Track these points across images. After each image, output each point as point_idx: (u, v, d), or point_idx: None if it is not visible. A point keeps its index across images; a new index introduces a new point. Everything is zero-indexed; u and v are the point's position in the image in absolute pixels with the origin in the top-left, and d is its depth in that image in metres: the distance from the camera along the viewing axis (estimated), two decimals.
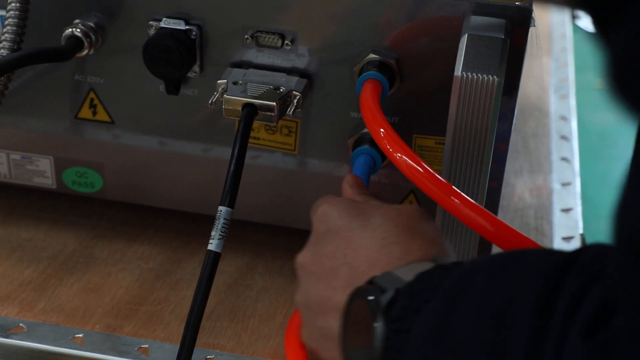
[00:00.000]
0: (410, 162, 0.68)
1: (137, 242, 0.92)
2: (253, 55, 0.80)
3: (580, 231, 0.98)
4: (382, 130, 0.71)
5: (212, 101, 0.78)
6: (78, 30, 0.81)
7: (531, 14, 0.75)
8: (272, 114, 0.77)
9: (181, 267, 0.89)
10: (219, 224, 0.73)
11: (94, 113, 0.86)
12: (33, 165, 0.91)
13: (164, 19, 0.80)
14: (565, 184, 1.06)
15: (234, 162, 0.75)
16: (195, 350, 0.71)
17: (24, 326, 0.80)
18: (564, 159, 1.11)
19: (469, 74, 0.70)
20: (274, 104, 0.76)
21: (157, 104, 0.85)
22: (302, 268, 0.67)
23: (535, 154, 1.12)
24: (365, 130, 0.79)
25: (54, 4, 0.82)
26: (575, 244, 0.96)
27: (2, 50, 0.79)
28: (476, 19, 0.74)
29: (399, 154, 0.69)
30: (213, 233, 0.73)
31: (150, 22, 0.80)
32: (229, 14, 0.79)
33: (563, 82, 1.31)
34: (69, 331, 0.80)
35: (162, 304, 0.84)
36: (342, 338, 0.60)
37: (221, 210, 0.73)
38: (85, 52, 0.82)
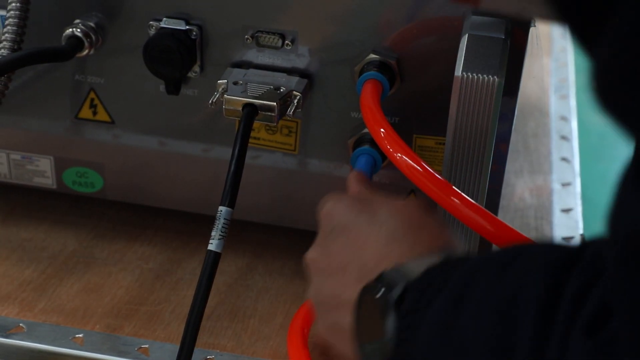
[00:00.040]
0: (411, 162, 0.68)
1: (138, 242, 0.92)
2: (253, 55, 0.80)
3: (581, 231, 0.98)
4: (382, 130, 0.71)
5: (212, 101, 0.78)
6: (78, 30, 0.81)
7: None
8: (273, 114, 0.77)
9: (181, 267, 0.89)
10: (219, 224, 0.73)
11: (94, 113, 0.87)
12: (33, 165, 0.91)
13: (165, 19, 0.80)
14: (565, 184, 1.06)
15: (234, 162, 0.75)
16: (196, 350, 0.71)
17: (24, 326, 0.80)
18: (564, 159, 1.11)
19: (469, 74, 0.70)
20: (274, 104, 0.76)
21: (157, 104, 0.85)
22: (311, 265, 0.68)
23: (536, 154, 1.12)
24: (366, 130, 0.79)
25: (54, 4, 0.82)
26: None
27: (2, 50, 0.79)
28: (476, 19, 0.74)
29: (399, 154, 0.69)
30: (213, 233, 0.73)
31: (151, 22, 0.80)
32: (229, 14, 0.79)
33: (563, 82, 1.31)
34: (69, 331, 0.80)
35: (162, 304, 0.84)
36: (355, 333, 0.60)
37: (221, 211, 0.73)
38: (85, 52, 0.82)
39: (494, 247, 0.68)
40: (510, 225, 0.65)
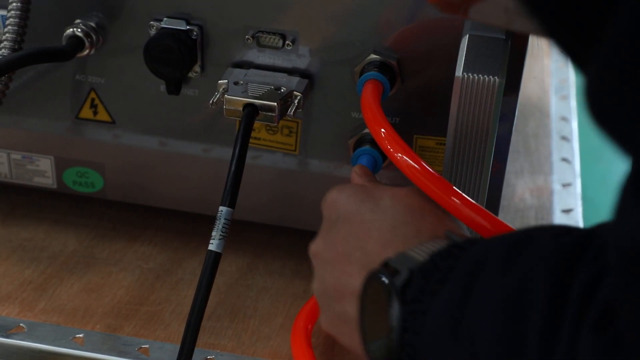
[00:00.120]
0: (411, 162, 0.68)
1: (138, 242, 0.92)
2: (254, 55, 0.80)
3: None
4: (383, 130, 0.71)
5: (213, 101, 0.78)
6: (79, 30, 0.81)
7: None
8: (273, 114, 0.77)
9: (182, 267, 0.89)
10: (220, 224, 0.73)
11: (95, 113, 0.87)
12: (34, 165, 0.91)
13: (165, 19, 0.80)
14: (565, 185, 1.06)
15: (234, 162, 0.75)
16: (196, 350, 0.71)
17: (24, 326, 0.80)
18: (564, 159, 1.11)
19: (469, 74, 0.70)
20: (275, 104, 0.76)
21: (158, 104, 0.85)
22: (316, 256, 0.68)
23: (536, 155, 1.12)
24: (366, 130, 0.79)
25: (54, 3, 0.82)
26: None
27: (3, 50, 0.79)
28: None
29: (400, 155, 0.69)
30: (214, 233, 0.73)
31: (151, 22, 0.80)
32: (230, 14, 0.79)
33: (564, 82, 1.31)
34: (70, 331, 0.80)
35: (162, 304, 0.84)
36: (361, 322, 0.60)
37: (222, 211, 0.73)
38: (86, 52, 0.82)
39: None
40: (511, 226, 0.65)
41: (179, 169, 0.88)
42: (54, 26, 0.82)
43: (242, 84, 0.78)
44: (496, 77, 0.70)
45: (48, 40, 0.82)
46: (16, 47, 0.79)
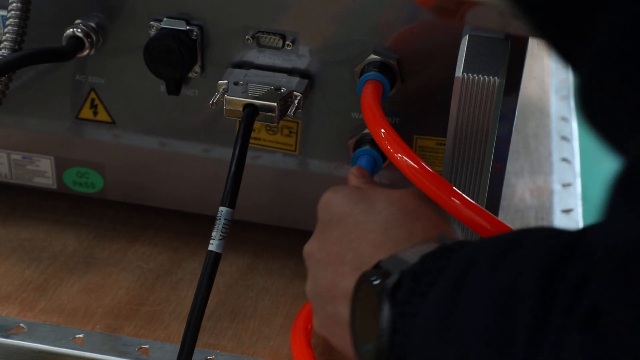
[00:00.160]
0: (411, 162, 0.68)
1: (138, 242, 0.92)
2: (254, 55, 0.80)
3: None
4: (383, 130, 0.71)
5: (213, 102, 0.78)
6: (79, 30, 0.81)
7: None
8: (273, 114, 0.77)
9: (182, 268, 0.89)
10: (220, 224, 0.73)
11: (95, 113, 0.87)
12: (34, 165, 0.91)
13: (165, 19, 0.80)
14: (565, 185, 1.06)
15: (234, 162, 0.75)
16: (196, 350, 0.71)
17: (24, 326, 0.80)
18: (564, 159, 1.11)
19: (470, 74, 0.70)
20: (275, 104, 0.76)
21: (158, 104, 0.85)
22: (309, 257, 0.68)
23: (536, 155, 1.12)
24: (366, 130, 0.79)
25: (55, 4, 0.82)
26: None
27: (3, 50, 0.79)
28: None
29: (400, 155, 0.69)
30: (214, 233, 0.73)
31: (152, 23, 0.80)
32: (230, 15, 0.79)
33: (563, 82, 1.31)
34: (70, 331, 0.80)
35: (162, 305, 0.84)
36: (352, 323, 0.60)
37: (222, 211, 0.73)
38: (86, 52, 0.82)
39: None
40: (511, 226, 0.65)
41: (179, 169, 0.88)
42: (54, 26, 0.82)
43: (242, 84, 0.78)
44: (496, 77, 0.70)
45: (48, 41, 0.82)
46: (16, 47, 0.79)
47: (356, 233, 0.64)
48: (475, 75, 0.70)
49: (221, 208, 0.73)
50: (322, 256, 0.66)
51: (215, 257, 0.72)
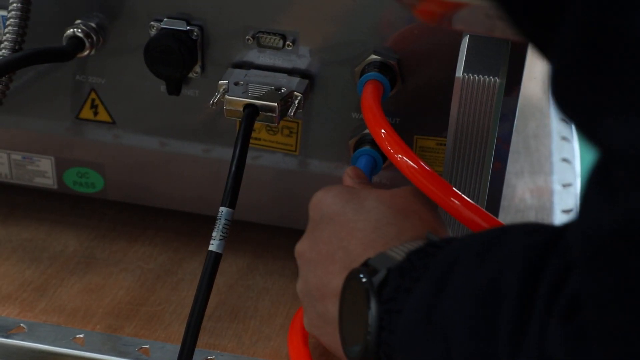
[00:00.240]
0: (411, 163, 0.68)
1: (138, 242, 0.92)
2: (254, 55, 0.80)
3: None
4: (383, 131, 0.71)
5: (213, 102, 0.78)
6: (79, 30, 0.81)
7: None
8: (273, 114, 0.77)
9: (182, 268, 0.89)
10: (220, 224, 0.73)
11: (95, 113, 0.86)
12: (34, 165, 0.91)
13: (165, 19, 0.80)
14: (566, 185, 1.06)
15: (235, 162, 0.75)
16: (196, 350, 0.71)
17: (24, 326, 0.80)
18: (564, 160, 1.11)
19: (470, 75, 0.70)
20: (275, 104, 0.76)
21: (158, 104, 0.85)
22: (300, 256, 0.68)
23: (536, 155, 1.12)
24: (366, 131, 0.79)
25: (55, 4, 0.82)
26: None
27: (3, 51, 0.79)
28: None
29: (400, 155, 0.69)
30: (214, 234, 0.73)
31: (152, 23, 0.80)
32: (230, 15, 0.79)
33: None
34: (70, 331, 0.80)
35: (162, 305, 0.84)
36: (340, 321, 0.60)
37: (222, 211, 0.73)
38: (86, 52, 0.82)
39: None
40: None
41: (180, 170, 0.88)
42: (54, 26, 0.82)
43: (242, 85, 0.78)
44: (497, 78, 0.70)
45: (48, 41, 0.82)
46: (16, 47, 0.79)
47: (346, 232, 0.64)
48: (475, 75, 0.70)
49: (221, 208, 0.73)
50: (313, 255, 0.66)
51: (216, 257, 0.72)
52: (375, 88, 0.76)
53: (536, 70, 1.30)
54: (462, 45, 0.72)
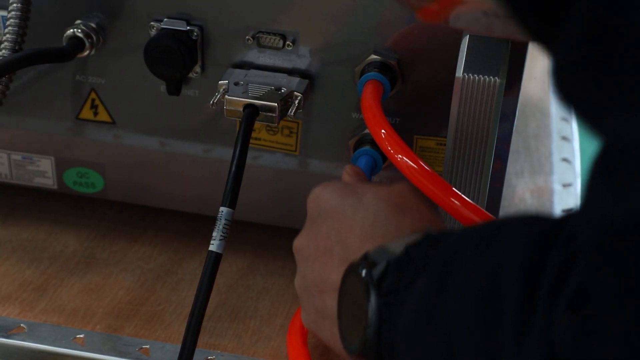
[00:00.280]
0: (411, 163, 0.68)
1: (138, 242, 0.92)
2: (254, 56, 0.80)
3: None
4: (383, 131, 0.71)
5: (213, 102, 0.78)
6: (79, 30, 0.81)
7: None
8: (273, 114, 0.77)
9: (182, 268, 0.89)
10: (220, 224, 0.73)
11: (95, 113, 0.87)
12: (34, 165, 0.91)
13: (166, 19, 0.80)
14: (566, 185, 1.06)
15: (235, 162, 0.75)
16: (196, 350, 0.71)
17: (24, 326, 0.80)
18: (565, 160, 1.11)
19: (470, 75, 0.70)
20: (275, 104, 0.76)
21: (158, 104, 0.85)
22: (298, 252, 0.68)
23: (536, 155, 1.12)
24: (367, 131, 0.79)
25: (55, 4, 0.82)
26: None
27: (3, 51, 0.79)
28: None
29: (400, 155, 0.69)
30: (214, 234, 0.73)
31: (152, 23, 0.80)
32: (230, 15, 0.79)
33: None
34: (70, 331, 0.80)
35: (163, 305, 0.84)
36: (339, 315, 0.60)
37: (222, 211, 0.73)
38: (86, 52, 0.82)
39: None
40: None
41: (180, 170, 0.88)
42: (55, 27, 0.82)
43: (242, 85, 0.78)
44: (497, 78, 0.70)
45: (48, 41, 0.82)
46: (16, 47, 0.79)
47: (344, 227, 0.64)
48: (475, 75, 0.70)
49: (222, 208, 0.73)
50: (311, 250, 0.66)
51: (216, 258, 0.72)
52: (375, 88, 0.76)
53: (536, 70, 1.30)
54: (462, 45, 0.72)
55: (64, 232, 0.93)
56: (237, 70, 0.80)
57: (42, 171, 0.91)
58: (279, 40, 0.79)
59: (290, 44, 0.79)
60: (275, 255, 0.91)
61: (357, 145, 0.80)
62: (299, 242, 0.69)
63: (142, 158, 0.88)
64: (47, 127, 0.88)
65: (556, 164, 1.11)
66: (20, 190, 0.94)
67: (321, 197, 0.68)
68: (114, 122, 0.87)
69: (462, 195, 0.66)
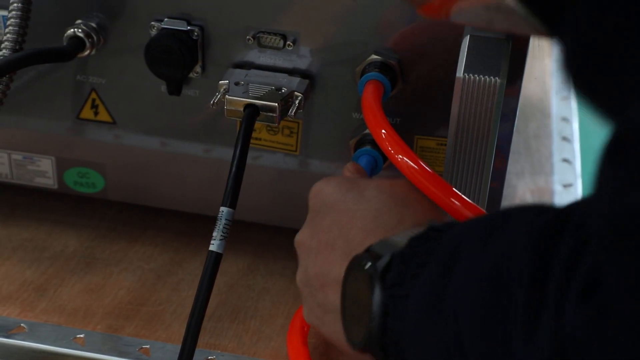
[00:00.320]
0: (411, 163, 0.68)
1: (139, 242, 0.92)
2: (255, 56, 0.80)
3: None
4: (383, 131, 0.71)
5: (213, 102, 0.78)
6: (80, 30, 0.81)
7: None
8: (274, 114, 0.77)
9: (182, 268, 0.89)
10: (221, 224, 0.73)
11: (96, 113, 0.86)
12: (34, 165, 0.91)
13: (166, 19, 0.80)
14: (566, 186, 1.06)
15: (235, 162, 0.75)
16: (197, 351, 0.71)
17: (25, 326, 0.80)
18: (565, 160, 1.11)
19: (471, 75, 0.70)
20: (276, 104, 0.76)
21: (158, 104, 0.85)
22: (300, 246, 0.68)
23: (537, 156, 1.12)
24: (367, 131, 0.79)
25: (55, 4, 0.82)
26: None
27: (4, 51, 0.79)
28: None
29: (400, 156, 0.69)
30: (214, 234, 0.73)
31: (152, 23, 0.80)
32: (231, 15, 0.79)
33: (565, 83, 1.30)
34: (71, 331, 0.80)
35: (163, 305, 0.84)
36: (343, 308, 0.60)
37: (223, 211, 0.73)
38: (87, 52, 0.82)
39: None
40: None
41: (180, 170, 0.88)
42: (55, 26, 0.82)
43: (243, 85, 0.78)
44: (497, 78, 0.70)
45: (49, 41, 0.82)
46: (17, 47, 0.79)
47: (346, 220, 0.64)
48: (476, 75, 0.70)
49: (222, 208, 0.73)
50: (313, 244, 0.66)
51: (216, 258, 0.72)
52: (375, 88, 0.76)
53: (537, 71, 1.30)
54: (462, 46, 0.72)
55: (65, 232, 0.93)
56: (238, 70, 0.80)
57: (43, 171, 0.91)
58: (280, 40, 0.79)
59: (291, 44, 0.79)
60: (276, 256, 0.91)
61: (358, 145, 0.80)
62: (300, 236, 0.69)
63: (143, 158, 0.88)
64: (48, 127, 0.88)
65: (557, 164, 1.11)
66: (21, 190, 0.94)
67: (323, 191, 0.68)
68: (114, 122, 0.87)
69: (463, 196, 0.66)
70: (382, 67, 0.77)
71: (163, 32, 0.80)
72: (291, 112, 0.78)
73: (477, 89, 0.71)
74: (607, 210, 0.41)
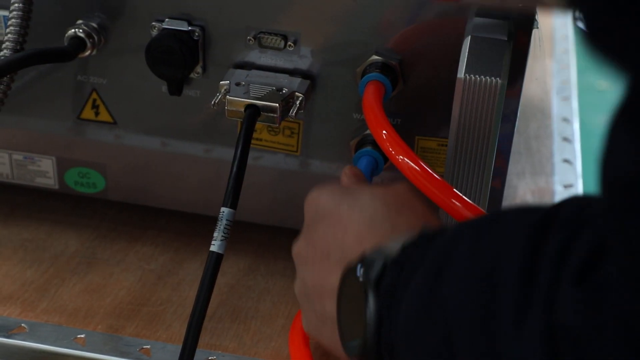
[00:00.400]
0: (412, 164, 0.68)
1: (139, 242, 0.92)
2: (256, 56, 0.80)
3: None
4: (384, 132, 0.71)
5: (214, 102, 0.78)
6: (81, 30, 0.81)
7: (534, 15, 0.75)
8: (275, 115, 0.77)
9: (183, 268, 0.89)
10: (221, 225, 0.73)
11: (97, 113, 0.87)
12: (35, 165, 0.91)
13: (167, 19, 0.80)
14: (567, 186, 1.06)
15: (236, 163, 0.75)
16: (197, 351, 0.71)
17: (26, 326, 0.80)
18: (566, 160, 1.11)
19: (472, 76, 0.70)
20: (277, 105, 0.76)
21: (159, 104, 0.85)
22: (297, 257, 0.68)
23: (538, 156, 1.12)
24: (368, 131, 0.79)
25: (56, 4, 0.82)
26: None
27: (5, 51, 0.79)
28: (479, 21, 0.74)
29: (401, 156, 0.69)
30: (215, 234, 0.73)
31: (153, 23, 0.80)
32: (231, 15, 0.79)
33: (565, 84, 1.30)
34: (71, 332, 0.80)
35: (164, 305, 0.84)
36: (339, 318, 0.60)
37: (223, 212, 0.73)
38: (87, 52, 0.82)
39: None
40: None
41: (181, 170, 0.88)
42: (56, 27, 0.82)
43: (243, 85, 0.78)
44: (498, 79, 0.70)
45: (50, 41, 0.83)
46: (18, 47, 0.79)
47: (340, 229, 0.64)
48: (477, 76, 0.70)
49: (223, 209, 0.73)
50: (309, 255, 0.66)
51: (217, 258, 0.72)
52: (376, 89, 0.76)
53: (538, 71, 1.30)
54: (463, 46, 0.72)
55: (65, 232, 0.93)
56: (239, 71, 0.80)
57: (43, 171, 0.91)
58: (281, 40, 0.79)
59: (292, 44, 0.79)
60: (276, 256, 0.91)
61: (359, 146, 0.80)
62: (297, 247, 0.69)
63: (143, 158, 0.88)
64: (49, 127, 0.88)
65: (557, 164, 1.11)
66: (21, 190, 0.94)
67: (317, 201, 0.68)
68: (115, 122, 0.87)
69: (463, 197, 0.66)
70: (383, 67, 0.77)
71: (164, 32, 0.80)
72: (292, 113, 0.78)
73: (478, 89, 0.71)
74: (616, 174, 0.41)
